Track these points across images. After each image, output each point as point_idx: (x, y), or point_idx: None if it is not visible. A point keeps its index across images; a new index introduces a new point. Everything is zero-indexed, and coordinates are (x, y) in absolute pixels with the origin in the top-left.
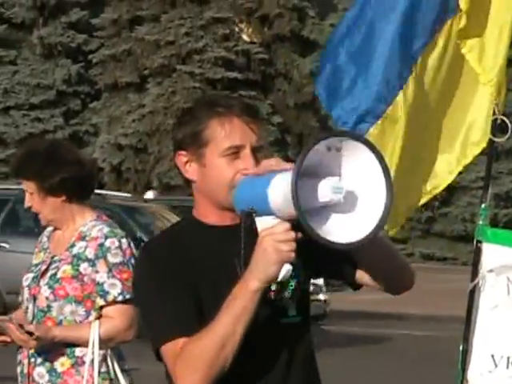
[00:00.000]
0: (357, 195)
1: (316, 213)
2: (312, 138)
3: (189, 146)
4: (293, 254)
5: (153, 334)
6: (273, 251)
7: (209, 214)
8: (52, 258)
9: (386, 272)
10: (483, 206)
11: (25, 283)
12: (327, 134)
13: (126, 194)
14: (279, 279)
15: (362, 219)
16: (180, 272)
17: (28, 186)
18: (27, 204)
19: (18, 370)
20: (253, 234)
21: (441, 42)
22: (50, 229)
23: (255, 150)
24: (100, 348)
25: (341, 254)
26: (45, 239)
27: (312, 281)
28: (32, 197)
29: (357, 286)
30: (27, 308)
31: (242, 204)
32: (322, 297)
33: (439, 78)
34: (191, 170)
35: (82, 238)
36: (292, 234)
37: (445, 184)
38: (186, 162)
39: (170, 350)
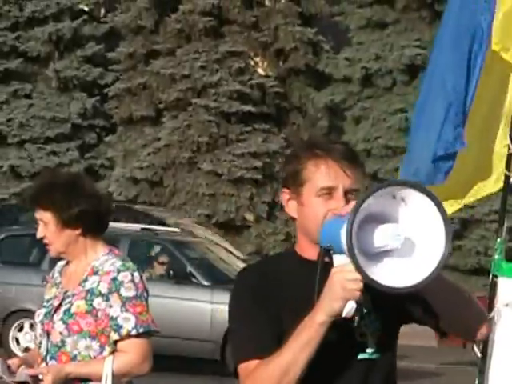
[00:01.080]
0: (415, 242)
1: (375, 256)
2: (370, 187)
3: (290, 184)
4: (358, 293)
5: (233, 354)
6: (339, 288)
7: (306, 249)
8: (65, 293)
9: (460, 319)
10: (499, 240)
11: (37, 319)
12: (383, 184)
13: (174, 229)
14: (343, 315)
15: (419, 265)
16: (266, 299)
17: (43, 216)
18: (40, 234)
19: None
20: (330, 270)
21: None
22: (61, 263)
23: (348, 193)
24: (115, 382)
25: (424, 301)
26: (56, 274)
27: None
28: (46, 227)
29: (443, 333)
30: (40, 343)
31: (323, 241)
32: None
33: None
34: (291, 207)
35: (95, 272)
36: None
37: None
38: (288, 199)
39: (243, 369)
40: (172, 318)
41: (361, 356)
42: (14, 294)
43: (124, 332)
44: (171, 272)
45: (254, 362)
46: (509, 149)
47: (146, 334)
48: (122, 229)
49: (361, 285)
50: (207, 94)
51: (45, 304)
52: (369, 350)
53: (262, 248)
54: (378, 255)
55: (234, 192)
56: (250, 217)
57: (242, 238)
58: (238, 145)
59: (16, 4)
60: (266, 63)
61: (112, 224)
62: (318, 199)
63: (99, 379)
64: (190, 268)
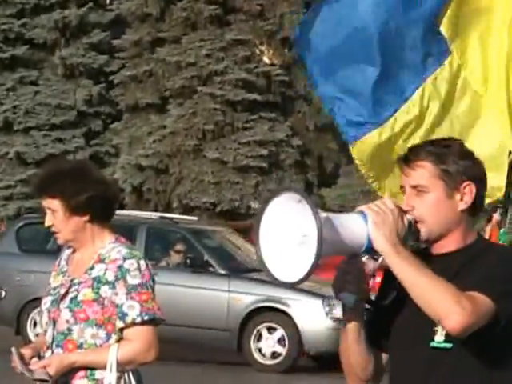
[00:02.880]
0: (310, 240)
1: (281, 253)
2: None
3: None
4: (338, 283)
5: None
6: None
7: None
8: (71, 280)
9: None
10: (502, 230)
11: (44, 307)
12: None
13: (192, 218)
14: (345, 306)
15: (302, 262)
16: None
17: (51, 204)
18: (48, 223)
19: None
20: None
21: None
22: (67, 251)
23: (413, 189)
24: (121, 370)
25: None
26: (63, 262)
27: None
28: (54, 215)
29: None
30: (46, 331)
31: None
32: None
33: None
34: None
35: (102, 260)
36: (341, 266)
37: None
38: None
39: None
40: (189, 306)
41: (432, 344)
42: (32, 281)
43: (129, 320)
44: (188, 261)
45: None
46: None
47: (152, 321)
48: (140, 217)
49: (344, 276)
50: (213, 81)
51: (51, 292)
52: (437, 339)
53: None
54: (283, 253)
55: (239, 180)
56: (255, 205)
57: None
58: (244, 133)
59: None
60: (271, 51)
61: (130, 212)
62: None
63: (105, 367)
64: (207, 257)
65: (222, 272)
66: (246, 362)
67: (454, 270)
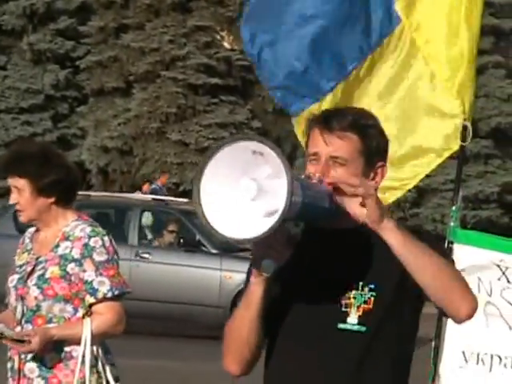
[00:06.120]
0: (267, 195)
1: (228, 208)
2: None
3: None
4: (260, 249)
5: None
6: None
7: None
8: (37, 258)
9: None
10: (454, 208)
11: (10, 284)
12: (235, 139)
13: (183, 199)
14: (263, 273)
15: (265, 218)
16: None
17: (18, 183)
18: (13, 201)
19: (9, 365)
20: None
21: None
22: (31, 230)
23: (331, 159)
24: (92, 343)
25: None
26: (27, 240)
27: None
28: (21, 194)
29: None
30: (15, 308)
31: None
32: None
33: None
34: None
35: (66, 238)
36: None
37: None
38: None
39: None
40: (182, 284)
41: (341, 326)
42: None
43: (100, 295)
44: (181, 240)
45: None
46: (464, 120)
47: (120, 296)
48: (134, 198)
49: (267, 243)
50: (175, 66)
51: (17, 270)
52: (350, 321)
53: None
54: (231, 207)
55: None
56: None
57: None
58: (205, 116)
59: None
60: (231, 37)
61: (123, 194)
62: (308, 164)
63: (79, 341)
64: (199, 236)
65: (214, 251)
66: None
67: (363, 244)
